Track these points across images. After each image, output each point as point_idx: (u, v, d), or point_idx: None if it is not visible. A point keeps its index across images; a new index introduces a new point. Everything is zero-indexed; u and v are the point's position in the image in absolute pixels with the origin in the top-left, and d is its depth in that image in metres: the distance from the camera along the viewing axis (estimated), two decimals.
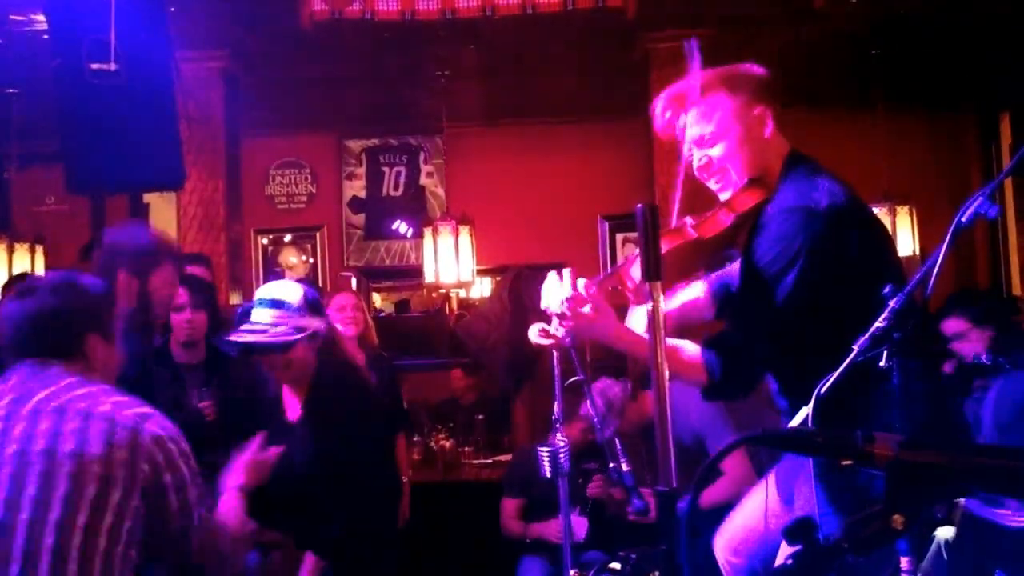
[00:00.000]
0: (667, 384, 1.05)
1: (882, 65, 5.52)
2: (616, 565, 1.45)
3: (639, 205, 1.05)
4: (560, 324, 1.87)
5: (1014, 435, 1.94)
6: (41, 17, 4.36)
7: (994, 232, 6.49)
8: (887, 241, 1.94)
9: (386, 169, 6.97)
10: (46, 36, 4.40)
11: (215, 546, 1.90)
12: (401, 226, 6.93)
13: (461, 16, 4.54)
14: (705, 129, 1.88)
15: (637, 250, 1.88)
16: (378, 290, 7.22)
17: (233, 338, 2.76)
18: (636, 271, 1.86)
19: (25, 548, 1.62)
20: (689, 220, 1.91)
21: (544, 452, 2.96)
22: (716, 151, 1.90)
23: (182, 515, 1.82)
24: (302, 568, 2.71)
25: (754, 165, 1.91)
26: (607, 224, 6.87)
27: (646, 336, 1.87)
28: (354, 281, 5.92)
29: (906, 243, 5.72)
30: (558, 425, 2.98)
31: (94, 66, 4.00)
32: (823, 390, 1.59)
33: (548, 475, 2.94)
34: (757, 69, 1.96)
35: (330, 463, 2.66)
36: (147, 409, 1.83)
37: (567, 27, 4.93)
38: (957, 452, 0.76)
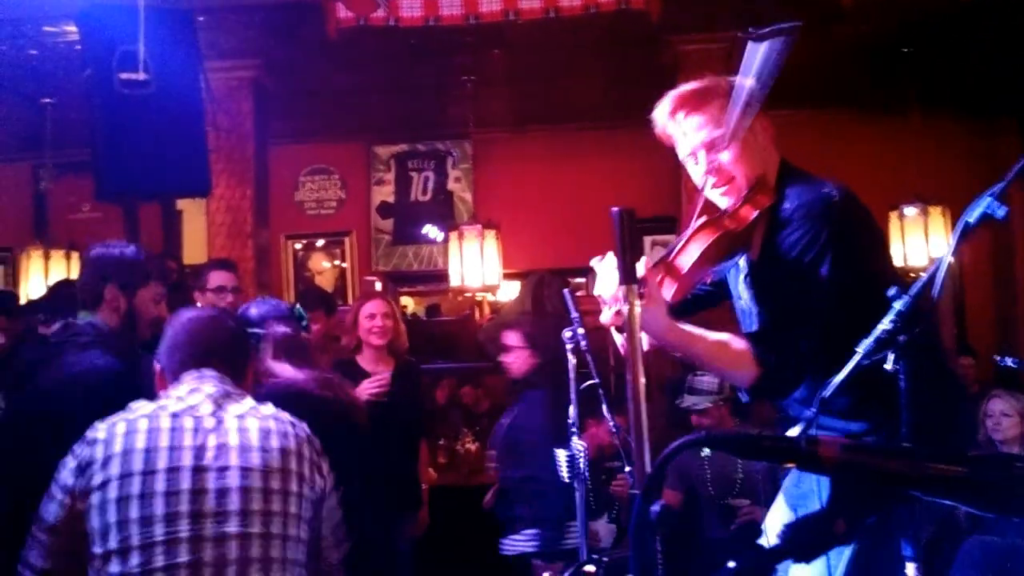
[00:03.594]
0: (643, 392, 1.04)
1: (915, 66, 5.44)
2: (590, 568, 1.44)
3: (615, 209, 1.04)
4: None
5: None
6: (73, 28, 4.46)
7: None
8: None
9: (414, 174, 7.01)
10: (79, 47, 4.50)
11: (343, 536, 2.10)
12: (431, 231, 6.95)
13: (484, 21, 4.55)
14: (714, 133, 1.88)
15: (682, 239, 1.86)
16: (407, 294, 7.26)
17: None
18: (685, 260, 1.82)
19: (238, 556, 1.79)
20: (719, 215, 1.91)
21: (561, 455, 2.96)
22: (725, 156, 1.89)
23: (336, 510, 2.03)
24: None
25: (757, 173, 1.93)
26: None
27: (699, 332, 1.88)
28: (378, 285, 5.95)
29: (938, 245, 5.62)
30: (574, 429, 2.98)
31: (123, 76, 4.08)
32: (827, 394, 1.58)
33: (566, 479, 2.94)
34: None
35: None
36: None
37: (591, 30, 4.92)
38: (904, 457, 0.74)
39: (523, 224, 6.46)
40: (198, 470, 1.82)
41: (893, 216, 5.77)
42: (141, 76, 4.13)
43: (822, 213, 1.81)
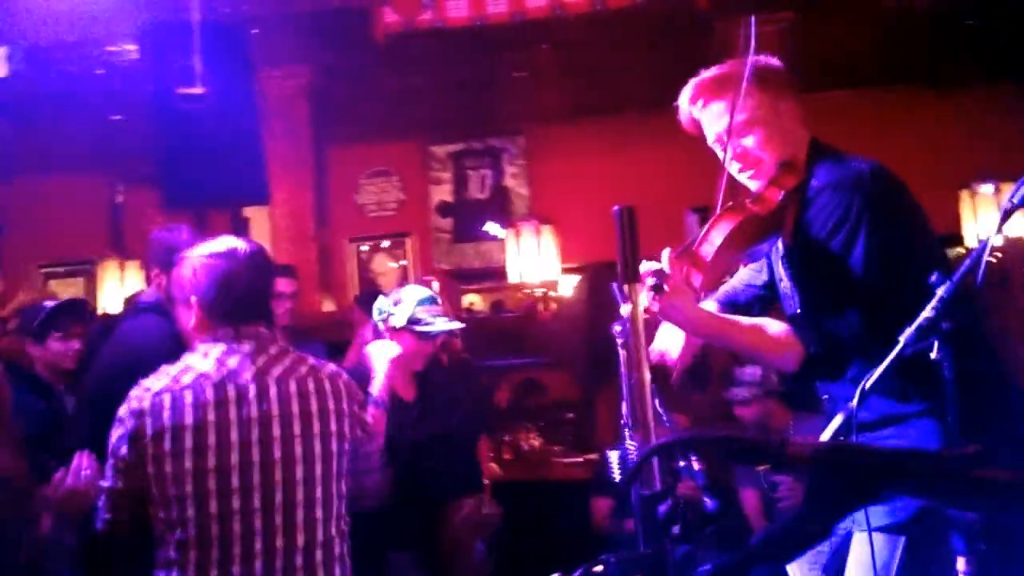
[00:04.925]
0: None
1: (975, 39, 5.22)
2: (599, 568, 1.43)
3: (616, 207, 1.03)
4: (651, 301, 1.78)
5: None
6: (134, 46, 4.62)
7: None
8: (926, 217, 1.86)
9: (471, 172, 7.05)
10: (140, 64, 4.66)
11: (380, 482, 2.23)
12: (492, 227, 6.98)
13: (531, 17, 4.56)
14: (738, 118, 1.86)
15: (705, 226, 1.84)
16: (469, 292, 7.31)
17: (437, 327, 3.09)
18: (708, 248, 1.80)
19: (283, 523, 1.91)
20: (742, 199, 1.89)
21: (613, 456, 2.94)
22: (749, 141, 1.87)
23: (373, 455, 2.17)
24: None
25: (785, 155, 1.90)
26: (696, 216, 6.74)
27: (733, 319, 1.87)
28: (436, 285, 5.99)
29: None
30: (627, 428, 2.96)
31: (181, 90, 4.22)
32: (867, 385, 1.53)
33: (617, 480, 2.92)
34: (777, 62, 1.95)
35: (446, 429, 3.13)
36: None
37: (639, 20, 4.87)
38: (877, 454, 0.72)
39: (580, 218, 6.41)
40: (244, 444, 1.91)
41: (964, 195, 5.57)
42: (198, 90, 4.26)
43: (851, 189, 1.77)
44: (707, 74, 1.94)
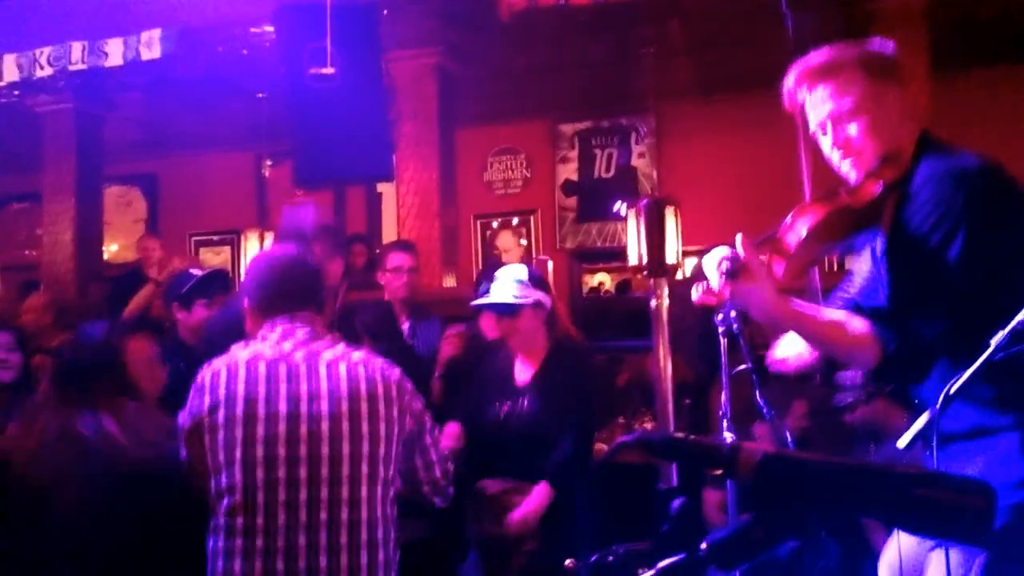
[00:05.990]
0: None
1: None
2: (612, 558, 1.40)
3: (644, 199, 1.01)
4: (722, 285, 1.72)
5: None
6: (270, 28, 4.85)
7: None
8: None
9: (598, 151, 7.01)
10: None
11: (441, 477, 2.26)
12: (623, 208, 6.92)
13: None
14: (842, 106, 1.77)
15: (792, 214, 1.79)
16: (592, 271, 7.30)
17: (477, 302, 3.34)
18: (792, 237, 1.76)
19: (329, 497, 1.96)
20: (836, 190, 1.82)
21: None
22: (852, 129, 1.78)
23: (432, 450, 2.21)
24: (533, 493, 2.98)
25: (889, 146, 1.80)
26: None
27: (811, 312, 1.82)
28: (550, 265, 6.01)
29: None
30: (725, 420, 2.88)
31: (313, 71, 4.40)
32: (952, 390, 1.45)
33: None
34: (890, 48, 1.84)
35: (551, 420, 3.05)
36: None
37: None
38: (828, 466, 0.67)
39: (709, 198, 6.26)
40: (293, 417, 1.97)
41: None
42: (329, 71, 4.44)
43: (955, 186, 1.66)
44: (814, 57, 1.86)
